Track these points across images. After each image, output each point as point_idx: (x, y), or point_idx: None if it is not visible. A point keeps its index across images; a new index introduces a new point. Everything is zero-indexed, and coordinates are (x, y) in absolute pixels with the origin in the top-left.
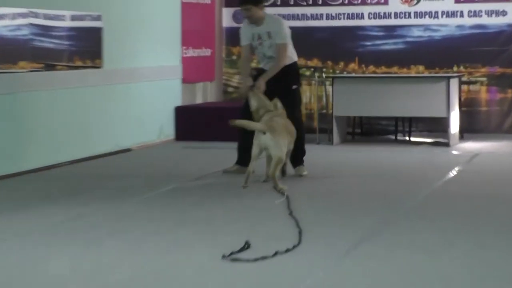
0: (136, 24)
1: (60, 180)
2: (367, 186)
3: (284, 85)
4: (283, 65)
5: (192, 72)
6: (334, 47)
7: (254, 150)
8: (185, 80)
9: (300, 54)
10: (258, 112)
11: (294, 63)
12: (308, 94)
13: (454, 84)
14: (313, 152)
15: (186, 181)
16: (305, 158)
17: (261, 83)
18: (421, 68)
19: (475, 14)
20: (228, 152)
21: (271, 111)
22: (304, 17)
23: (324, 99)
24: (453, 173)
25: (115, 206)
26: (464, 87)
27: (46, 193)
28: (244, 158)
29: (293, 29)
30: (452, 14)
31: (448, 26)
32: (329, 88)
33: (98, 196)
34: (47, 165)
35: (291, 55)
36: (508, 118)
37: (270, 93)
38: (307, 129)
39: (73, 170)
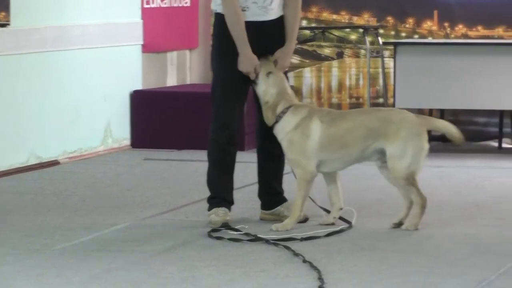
0: None
1: None
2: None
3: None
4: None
5: (160, 34)
6: None
7: None
8: (147, 48)
9: (338, 3)
10: (277, 102)
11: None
12: (353, 71)
13: None
14: (353, 174)
15: (142, 218)
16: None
17: (288, 59)
18: None
19: None
20: None
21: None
22: None
23: (380, 81)
24: None
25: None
26: None
27: None
28: (231, 198)
29: None
30: None
31: None
32: (389, 62)
33: None
34: None
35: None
36: None
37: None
38: None
39: None
